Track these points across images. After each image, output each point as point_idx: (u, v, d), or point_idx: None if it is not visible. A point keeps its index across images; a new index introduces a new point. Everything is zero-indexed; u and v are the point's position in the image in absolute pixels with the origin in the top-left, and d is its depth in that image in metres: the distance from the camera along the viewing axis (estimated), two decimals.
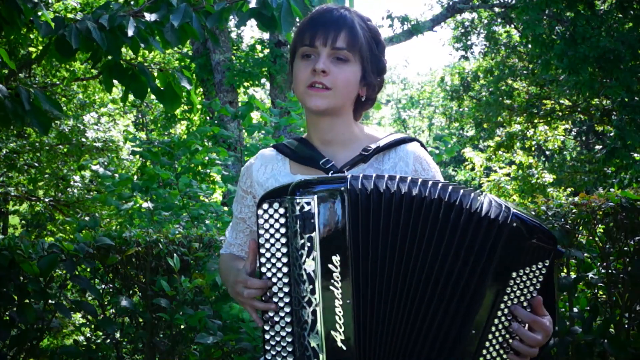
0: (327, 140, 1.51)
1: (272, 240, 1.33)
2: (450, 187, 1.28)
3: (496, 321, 1.27)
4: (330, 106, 1.44)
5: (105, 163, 11.31)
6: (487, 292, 1.25)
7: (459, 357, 1.28)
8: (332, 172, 1.44)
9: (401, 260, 1.27)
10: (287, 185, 1.32)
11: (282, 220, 1.32)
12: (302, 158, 1.51)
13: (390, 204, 1.26)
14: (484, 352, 1.28)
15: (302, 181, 1.32)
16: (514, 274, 1.25)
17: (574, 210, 2.65)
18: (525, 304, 1.27)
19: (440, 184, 1.29)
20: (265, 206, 1.33)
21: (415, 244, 1.26)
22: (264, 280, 1.34)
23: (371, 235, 1.27)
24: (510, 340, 1.28)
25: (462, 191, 1.28)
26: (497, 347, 1.28)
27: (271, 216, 1.33)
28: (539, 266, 1.25)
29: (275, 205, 1.32)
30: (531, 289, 1.26)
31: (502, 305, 1.26)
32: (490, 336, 1.27)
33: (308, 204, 1.28)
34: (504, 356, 1.29)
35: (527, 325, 1.27)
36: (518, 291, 1.26)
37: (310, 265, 1.28)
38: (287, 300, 1.33)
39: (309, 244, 1.28)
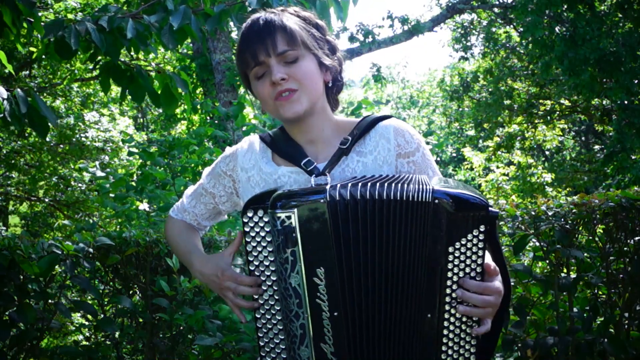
0: (310, 139, 1.49)
1: (259, 248, 1.33)
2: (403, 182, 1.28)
3: (447, 299, 1.27)
4: (306, 107, 1.41)
5: (105, 163, 11.33)
6: (428, 274, 1.26)
7: (424, 344, 1.28)
8: (314, 174, 1.40)
9: (379, 265, 1.27)
10: (272, 191, 1.31)
11: (268, 228, 1.31)
12: (284, 153, 1.48)
13: (365, 211, 1.26)
14: (445, 332, 1.28)
15: (283, 193, 1.30)
16: (451, 249, 1.25)
17: (574, 210, 2.65)
18: (473, 274, 1.26)
19: (400, 180, 1.29)
20: (249, 213, 1.32)
21: (389, 246, 1.27)
22: (253, 277, 1.34)
23: (352, 245, 1.27)
24: (462, 309, 1.27)
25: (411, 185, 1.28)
26: (456, 323, 1.28)
27: (256, 224, 1.32)
28: (475, 234, 1.24)
29: (260, 212, 1.31)
30: (474, 257, 1.26)
31: (449, 282, 1.26)
32: (447, 315, 1.28)
33: (288, 217, 1.27)
34: (467, 330, 1.29)
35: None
36: (461, 263, 1.26)
37: (296, 279, 1.28)
38: (278, 307, 1.34)
39: (292, 258, 1.27)
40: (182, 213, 1.66)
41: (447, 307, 1.27)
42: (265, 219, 1.31)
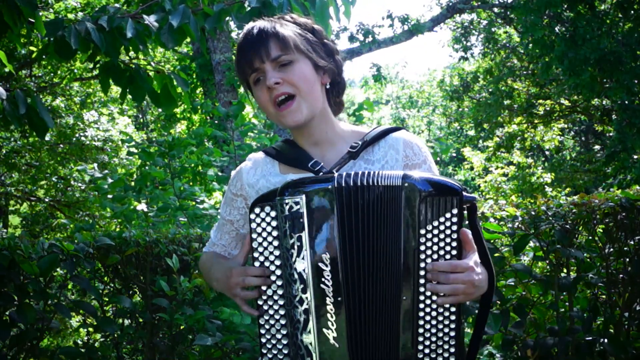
0: (314, 142, 1.52)
1: (265, 244, 1.35)
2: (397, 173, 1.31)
3: (422, 281, 1.28)
4: (307, 114, 1.44)
5: (105, 162, 11.32)
6: (403, 257, 1.28)
7: (403, 326, 1.30)
8: (322, 173, 1.44)
9: (374, 249, 1.30)
10: (276, 190, 1.34)
11: (274, 223, 1.34)
12: (290, 160, 1.51)
13: (363, 198, 1.29)
14: (421, 313, 1.29)
15: (291, 181, 1.34)
16: (422, 231, 1.27)
17: (574, 210, 2.65)
18: (447, 257, 1.28)
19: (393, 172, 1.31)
20: (257, 210, 1.35)
21: (384, 230, 1.29)
22: (261, 267, 1.36)
23: (358, 231, 1.29)
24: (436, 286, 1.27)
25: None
26: (433, 306, 1.29)
27: (263, 220, 1.34)
28: (448, 216, 1.27)
29: (267, 208, 1.34)
30: (448, 240, 1.27)
31: (423, 264, 1.28)
32: (422, 297, 1.29)
33: (297, 203, 1.30)
34: (445, 313, 1.29)
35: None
36: (434, 246, 1.28)
37: (301, 264, 1.30)
38: (281, 302, 1.35)
39: (298, 244, 1.30)
40: (212, 247, 1.70)
41: (421, 289, 1.29)
42: (272, 214, 1.33)
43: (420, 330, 1.29)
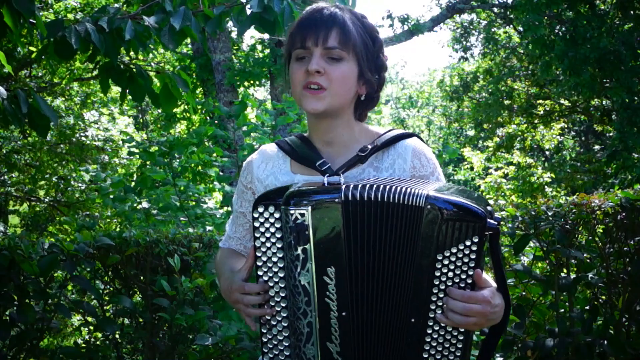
0: (327, 141, 1.48)
1: (268, 244, 1.33)
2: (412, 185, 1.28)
3: (433, 306, 1.25)
4: (328, 107, 1.39)
5: (105, 162, 11.32)
6: (416, 279, 1.24)
7: (409, 349, 1.28)
8: (328, 174, 1.40)
9: (382, 267, 1.27)
10: (283, 189, 1.31)
11: (278, 225, 1.31)
12: (301, 157, 1.48)
13: (372, 213, 1.25)
14: (428, 339, 1.27)
15: (297, 190, 1.29)
16: (440, 257, 1.22)
17: (573, 210, 2.65)
18: (462, 284, 1.23)
19: (411, 185, 1.27)
20: (260, 209, 1.32)
21: (389, 249, 1.26)
22: (261, 283, 1.34)
23: (365, 246, 1.26)
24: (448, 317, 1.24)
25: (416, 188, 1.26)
26: (441, 332, 1.27)
27: (267, 219, 1.32)
28: (467, 244, 1.20)
29: (271, 208, 1.31)
30: (464, 268, 1.22)
31: (436, 290, 1.24)
32: (430, 322, 1.26)
33: (302, 215, 1.26)
34: (452, 340, 1.27)
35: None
36: (450, 272, 1.23)
37: (305, 277, 1.28)
38: (283, 304, 1.33)
39: (303, 256, 1.27)
40: (228, 241, 1.67)
41: (431, 315, 1.26)
42: (276, 215, 1.31)
43: (425, 355, 1.27)
